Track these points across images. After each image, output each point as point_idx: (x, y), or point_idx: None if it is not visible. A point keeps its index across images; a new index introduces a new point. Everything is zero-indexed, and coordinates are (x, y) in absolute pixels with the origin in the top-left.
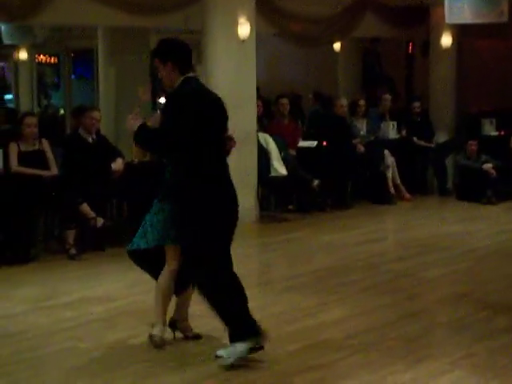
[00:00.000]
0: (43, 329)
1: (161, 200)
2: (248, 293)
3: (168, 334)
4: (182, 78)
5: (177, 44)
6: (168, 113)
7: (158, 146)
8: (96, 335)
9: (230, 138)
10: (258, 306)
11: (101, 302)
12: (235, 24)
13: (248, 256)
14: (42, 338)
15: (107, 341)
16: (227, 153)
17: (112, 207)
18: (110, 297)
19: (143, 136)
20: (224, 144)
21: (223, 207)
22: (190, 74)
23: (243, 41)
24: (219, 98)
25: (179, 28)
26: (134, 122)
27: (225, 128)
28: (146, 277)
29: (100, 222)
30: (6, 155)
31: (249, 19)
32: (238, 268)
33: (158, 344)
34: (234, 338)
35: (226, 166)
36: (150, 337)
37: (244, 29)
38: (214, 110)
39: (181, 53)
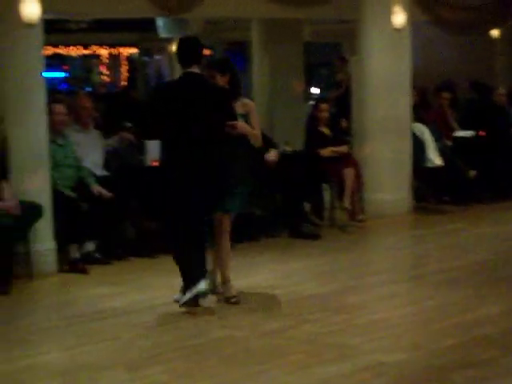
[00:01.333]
0: (200, 317)
1: None
2: (402, 286)
3: None
4: None
5: (179, 43)
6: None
7: None
8: (252, 324)
9: (231, 126)
10: (412, 300)
11: (256, 291)
12: (390, 13)
13: (402, 248)
14: (199, 327)
15: (263, 330)
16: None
17: (265, 198)
18: (266, 286)
19: None
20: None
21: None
22: (189, 70)
23: (398, 29)
24: (192, 90)
25: (332, 18)
26: None
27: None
28: (301, 267)
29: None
30: None
31: (404, 8)
32: (391, 260)
33: None
34: None
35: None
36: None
37: (399, 17)
38: (173, 100)
39: (179, 51)
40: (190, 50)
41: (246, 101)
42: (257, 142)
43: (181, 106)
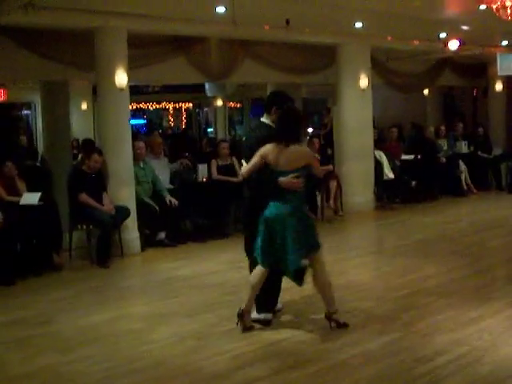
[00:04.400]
0: (236, 281)
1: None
2: (368, 257)
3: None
4: None
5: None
6: None
7: None
8: None
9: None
10: (375, 267)
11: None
12: (358, 78)
13: (368, 233)
14: (235, 287)
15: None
16: None
17: None
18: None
19: None
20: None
21: None
22: (261, 118)
23: (363, 90)
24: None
25: (320, 82)
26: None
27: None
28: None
29: None
30: (209, 168)
31: (367, 75)
32: (361, 241)
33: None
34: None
35: None
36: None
37: (363, 81)
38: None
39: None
40: (265, 103)
41: None
42: None
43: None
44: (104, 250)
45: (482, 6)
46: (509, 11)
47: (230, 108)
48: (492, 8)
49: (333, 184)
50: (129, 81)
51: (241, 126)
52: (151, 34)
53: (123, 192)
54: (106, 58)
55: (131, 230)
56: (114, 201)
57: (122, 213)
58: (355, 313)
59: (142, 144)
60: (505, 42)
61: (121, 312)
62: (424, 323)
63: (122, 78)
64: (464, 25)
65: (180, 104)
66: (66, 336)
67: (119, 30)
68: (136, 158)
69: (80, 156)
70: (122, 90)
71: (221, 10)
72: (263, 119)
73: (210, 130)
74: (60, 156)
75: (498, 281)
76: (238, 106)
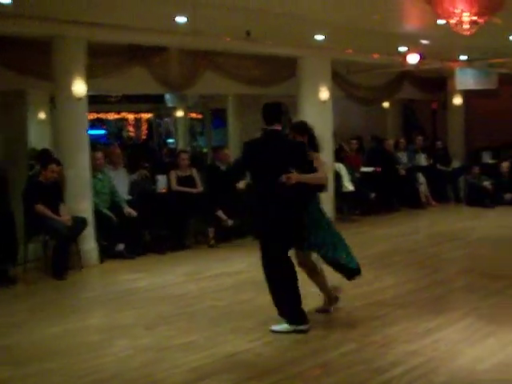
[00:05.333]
0: (194, 293)
1: None
2: (326, 269)
3: None
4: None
5: (264, 106)
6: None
7: None
8: (229, 297)
9: (286, 178)
10: (337, 277)
11: (232, 275)
12: (318, 91)
13: None
14: (193, 299)
15: (236, 301)
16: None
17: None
18: (238, 272)
19: None
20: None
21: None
22: (269, 128)
23: (324, 102)
24: (275, 145)
25: (282, 94)
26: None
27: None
28: None
29: (230, 222)
30: (169, 179)
31: (327, 87)
32: None
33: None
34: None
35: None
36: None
37: (324, 94)
38: (260, 153)
39: (263, 112)
40: (267, 111)
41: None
42: (321, 182)
43: (265, 158)
44: (61, 262)
45: (441, 21)
46: (466, 26)
47: (192, 119)
48: (450, 23)
49: None
50: (88, 90)
51: (202, 137)
52: (111, 43)
53: (81, 203)
54: (64, 67)
55: (89, 242)
56: (71, 212)
57: (79, 224)
58: (313, 324)
59: (100, 155)
60: (463, 57)
61: (78, 324)
62: (381, 334)
63: (80, 88)
64: (423, 39)
65: (140, 114)
66: (21, 349)
67: (78, 39)
68: (94, 169)
69: (36, 166)
70: (79, 99)
71: (181, 20)
72: (277, 128)
73: (170, 140)
74: (17, 166)
75: (455, 292)
76: (199, 116)
